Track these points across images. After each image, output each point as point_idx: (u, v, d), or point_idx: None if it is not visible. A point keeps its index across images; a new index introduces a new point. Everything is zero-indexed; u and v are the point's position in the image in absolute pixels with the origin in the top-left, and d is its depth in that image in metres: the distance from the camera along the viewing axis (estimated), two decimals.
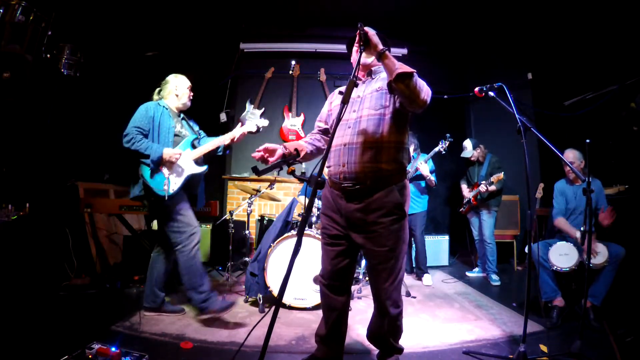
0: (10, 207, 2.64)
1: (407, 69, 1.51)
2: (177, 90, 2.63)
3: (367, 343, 2.22)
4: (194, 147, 2.60)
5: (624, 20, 3.66)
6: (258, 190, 3.39)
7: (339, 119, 1.46)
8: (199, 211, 4.69)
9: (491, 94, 2.11)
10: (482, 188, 3.83)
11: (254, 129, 2.58)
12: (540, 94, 4.90)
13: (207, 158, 2.67)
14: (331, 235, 1.79)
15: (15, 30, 2.64)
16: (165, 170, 2.43)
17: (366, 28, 1.59)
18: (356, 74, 1.53)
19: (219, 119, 5.13)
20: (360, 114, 1.72)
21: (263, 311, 2.74)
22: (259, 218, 4.17)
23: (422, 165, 3.75)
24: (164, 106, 2.59)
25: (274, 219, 3.25)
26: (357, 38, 1.59)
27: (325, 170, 1.82)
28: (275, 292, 2.77)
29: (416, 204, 3.95)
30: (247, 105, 5.09)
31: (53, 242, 3.11)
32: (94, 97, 2.68)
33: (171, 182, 2.42)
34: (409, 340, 2.23)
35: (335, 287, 1.83)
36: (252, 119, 5.05)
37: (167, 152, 2.41)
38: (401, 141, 1.71)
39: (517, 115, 1.97)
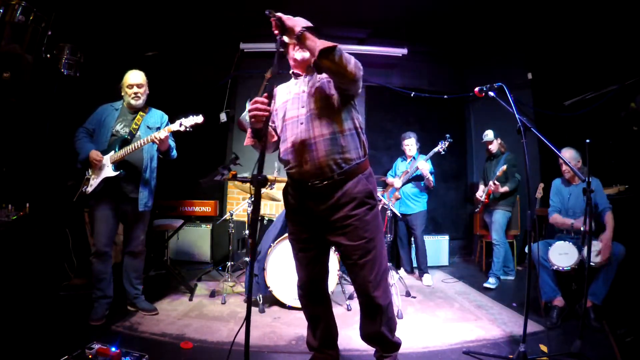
0: (10, 207, 2.64)
1: (328, 43, 1.44)
2: (122, 89, 2.62)
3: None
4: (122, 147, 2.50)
5: (624, 21, 3.66)
6: None
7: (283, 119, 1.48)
8: (200, 212, 4.69)
9: (491, 94, 2.11)
10: (491, 187, 3.72)
11: (181, 129, 2.47)
12: (540, 94, 4.90)
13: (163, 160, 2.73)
14: (302, 240, 1.74)
15: (15, 30, 2.64)
16: (89, 171, 2.50)
17: (278, 14, 1.49)
18: (286, 63, 1.50)
19: (219, 119, 5.13)
20: (310, 107, 1.66)
21: (263, 311, 2.74)
22: (259, 218, 4.16)
23: (423, 163, 3.73)
24: (116, 108, 2.62)
25: (274, 219, 3.26)
26: (273, 26, 1.52)
27: (270, 174, 1.76)
28: (275, 292, 2.77)
29: (415, 203, 3.94)
30: (247, 105, 5.07)
31: (53, 242, 3.11)
32: (94, 97, 2.68)
33: (91, 183, 2.46)
34: (409, 340, 2.22)
35: (314, 296, 1.81)
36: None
37: (92, 154, 2.43)
38: (356, 127, 1.67)
39: (517, 115, 1.97)
